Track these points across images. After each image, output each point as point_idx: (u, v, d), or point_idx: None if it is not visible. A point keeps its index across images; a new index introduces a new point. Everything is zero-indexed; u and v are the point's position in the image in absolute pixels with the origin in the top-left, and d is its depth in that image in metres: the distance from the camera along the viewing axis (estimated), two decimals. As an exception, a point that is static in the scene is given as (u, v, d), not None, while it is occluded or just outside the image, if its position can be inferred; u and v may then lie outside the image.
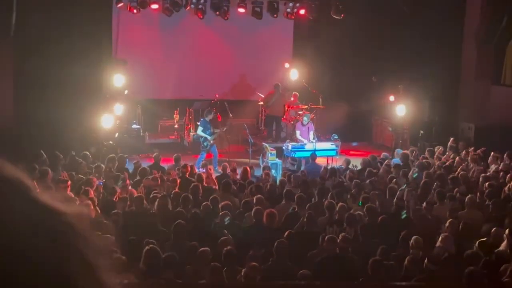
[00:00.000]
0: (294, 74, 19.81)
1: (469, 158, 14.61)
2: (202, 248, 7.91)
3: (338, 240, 8.22)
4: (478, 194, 11.33)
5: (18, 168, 0.96)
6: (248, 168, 13.36)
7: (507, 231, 8.48)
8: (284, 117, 19.14)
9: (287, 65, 20.62)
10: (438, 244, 8.49)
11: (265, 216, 9.36)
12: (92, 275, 0.91)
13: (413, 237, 8.37)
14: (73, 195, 10.01)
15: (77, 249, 0.91)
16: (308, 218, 9.49)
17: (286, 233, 8.67)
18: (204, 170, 13.44)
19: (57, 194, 0.98)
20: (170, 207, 10.24)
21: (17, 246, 0.85)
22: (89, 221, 0.99)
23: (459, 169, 13.60)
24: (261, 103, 19.66)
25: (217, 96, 19.56)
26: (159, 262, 7.17)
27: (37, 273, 0.85)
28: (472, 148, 15.32)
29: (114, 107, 17.05)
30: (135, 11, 18.73)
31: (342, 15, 19.04)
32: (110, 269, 0.96)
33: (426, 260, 7.72)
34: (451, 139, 16.01)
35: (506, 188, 11.67)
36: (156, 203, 10.12)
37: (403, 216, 10.05)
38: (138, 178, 12.41)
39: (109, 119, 16.08)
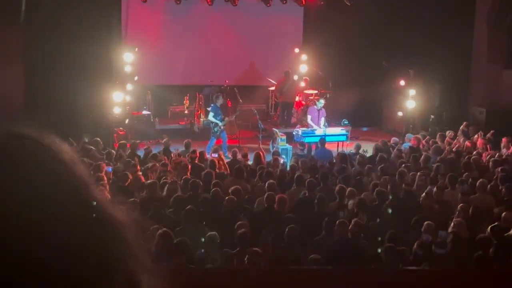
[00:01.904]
0: (304, 58, 19.79)
1: (477, 142, 14.55)
2: (210, 233, 7.93)
3: (350, 226, 8.22)
4: (492, 178, 11.27)
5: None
6: (261, 153, 13.34)
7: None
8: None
9: (297, 50, 20.60)
10: (450, 229, 8.47)
11: (276, 201, 9.40)
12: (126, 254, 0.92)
13: (425, 222, 8.36)
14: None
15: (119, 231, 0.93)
16: (319, 201, 9.50)
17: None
18: (216, 155, 13.42)
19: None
20: (180, 192, 10.24)
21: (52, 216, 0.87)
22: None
23: (474, 153, 13.53)
24: (272, 88, 19.64)
25: (227, 82, 19.56)
26: (171, 247, 7.20)
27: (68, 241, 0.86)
28: (481, 132, 15.23)
29: (124, 92, 17.09)
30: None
31: (350, 2, 18.91)
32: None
33: (433, 245, 7.73)
34: (464, 123, 15.92)
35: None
36: (166, 189, 10.14)
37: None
38: (149, 164, 12.42)
39: (119, 99, 16.18)
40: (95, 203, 0.93)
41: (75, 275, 0.85)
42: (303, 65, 20.16)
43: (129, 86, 17.78)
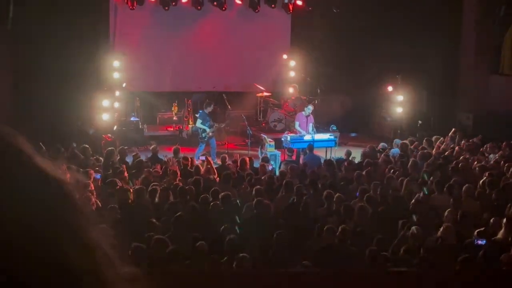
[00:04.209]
0: (292, 64, 19.87)
1: (464, 147, 14.63)
2: (198, 243, 7.93)
3: (338, 232, 8.24)
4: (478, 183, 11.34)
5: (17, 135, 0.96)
6: (247, 159, 13.37)
7: (505, 219, 8.52)
8: (282, 108, 19.19)
9: (285, 56, 20.68)
10: (439, 234, 8.51)
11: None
12: (86, 255, 0.90)
13: (412, 227, 8.40)
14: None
15: (73, 225, 0.91)
16: (304, 207, 9.53)
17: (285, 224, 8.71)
18: (204, 158, 13.44)
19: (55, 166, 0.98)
20: (171, 199, 10.22)
21: (9, 213, 0.85)
22: (87, 190, 0.98)
23: (461, 158, 13.60)
24: (261, 94, 19.70)
25: (214, 87, 19.60)
26: (165, 253, 7.22)
27: (26, 241, 0.85)
28: (465, 139, 15.31)
29: (112, 98, 17.08)
30: (132, 6, 18.66)
31: (337, 10, 19.00)
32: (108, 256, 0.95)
33: (421, 250, 7.76)
34: (453, 129, 15.98)
35: (504, 178, 11.68)
36: (158, 195, 10.13)
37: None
38: (136, 170, 12.40)
39: (107, 112, 16.14)
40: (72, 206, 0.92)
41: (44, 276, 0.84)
42: (291, 71, 20.25)
43: (118, 93, 17.76)
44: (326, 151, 16.17)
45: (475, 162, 13.35)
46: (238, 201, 10.24)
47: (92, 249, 0.92)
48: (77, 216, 0.92)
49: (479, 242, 8.13)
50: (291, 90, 19.60)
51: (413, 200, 10.19)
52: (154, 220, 9.08)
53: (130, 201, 10.16)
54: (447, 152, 14.44)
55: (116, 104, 17.51)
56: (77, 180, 0.99)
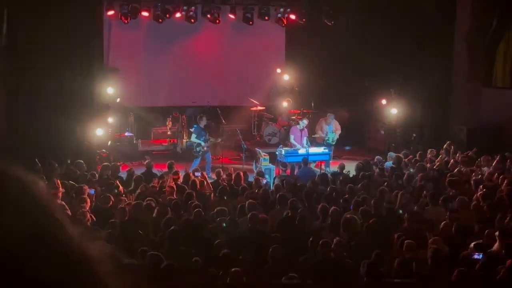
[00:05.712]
0: (286, 78, 19.94)
1: (459, 160, 14.66)
2: (194, 258, 7.91)
3: (333, 245, 8.23)
4: (474, 196, 11.35)
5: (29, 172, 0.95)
6: (242, 174, 13.36)
7: (497, 232, 8.53)
8: (277, 122, 19.21)
9: (279, 70, 20.73)
10: (431, 246, 8.51)
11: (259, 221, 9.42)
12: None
13: (406, 241, 8.39)
14: (64, 204, 9.98)
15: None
16: (300, 220, 9.52)
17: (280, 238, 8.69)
18: (199, 174, 13.43)
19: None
20: (169, 214, 10.18)
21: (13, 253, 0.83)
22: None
23: (455, 171, 13.62)
24: (255, 108, 19.73)
25: (208, 102, 19.62)
26: (160, 268, 7.20)
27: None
28: (459, 152, 15.35)
29: (106, 116, 17.09)
30: (126, 21, 18.71)
31: (331, 22, 19.10)
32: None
33: (414, 264, 7.76)
34: (448, 142, 16.00)
35: (499, 190, 11.69)
36: (155, 211, 10.12)
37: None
38: (133, 186, 12.37)
39: (101, 128, 16.12)
40: (66, 240, 0.89)
41: None
42: (286, 85, 20.29)
43: (112, 108, 17.75)
44: (320, 165, 16.19)
45: (471, 175, 13.37)
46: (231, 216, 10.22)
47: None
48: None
49: (476, 256, 8.11)
50: (285, 104, 19.64)
51: (406, 215, 10.17)
52: (151, 235, 9.08)
53: (126, 216, 10.13)
54: (438, 164, 14.47)
55: (110, 120, 17.52)
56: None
